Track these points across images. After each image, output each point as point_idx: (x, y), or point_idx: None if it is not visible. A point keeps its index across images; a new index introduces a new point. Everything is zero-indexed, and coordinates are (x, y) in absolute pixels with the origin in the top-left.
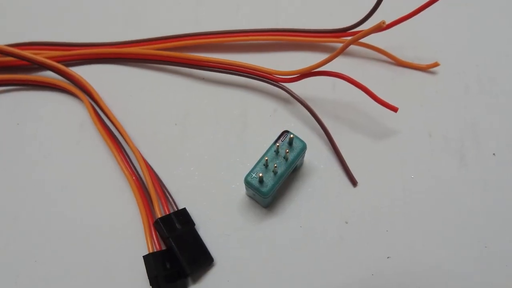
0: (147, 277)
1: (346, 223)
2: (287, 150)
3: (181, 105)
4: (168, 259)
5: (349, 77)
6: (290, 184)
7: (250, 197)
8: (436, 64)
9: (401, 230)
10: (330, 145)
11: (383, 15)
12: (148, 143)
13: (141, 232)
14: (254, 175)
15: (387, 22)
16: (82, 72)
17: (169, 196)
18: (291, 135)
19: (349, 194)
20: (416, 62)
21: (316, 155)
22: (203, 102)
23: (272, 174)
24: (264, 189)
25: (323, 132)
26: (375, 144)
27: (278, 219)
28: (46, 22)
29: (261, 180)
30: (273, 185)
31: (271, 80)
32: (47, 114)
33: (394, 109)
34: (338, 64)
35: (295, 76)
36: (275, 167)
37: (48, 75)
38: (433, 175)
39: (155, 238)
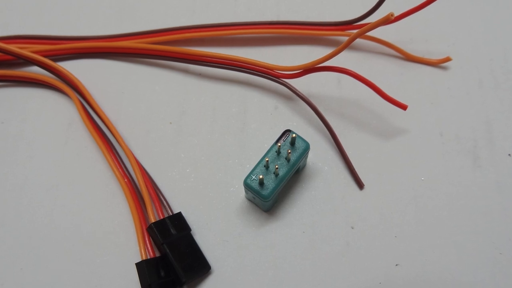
0: (140, 285)
1: (352, 228)
2: (289, 151)
3: (177, 103)
4: (163, 266)
5: (355, 72)
6: (293, 186)
7: (250, 200)
8: (447, 59)
9: (410, 235)
10: (335, 145)
11: (391, 6)
12: (141, 143)
13: (133, 238)
14: (254, 177)
15: (396, 14)
16: (71, 67)
17: (163, 200)
18: (294, 135)
19: (355, 198)
20: (426, 56)
21: (320, 155)
22: (200, 99)
23: (273, 176)
24: (265, 192)
25: (327, 131)
26: (383, 144)
27: (280, 224)
28: (33, 14)
29: (261, 183)
30: (274, 187)
31: (272, 76)
32: (33, 112)
33: (403, 107)
34: (344, 59)
35: (298, 71)
36: (277, 168)
37: (35, 71)
38: (444, 177)
39: (148, 244)
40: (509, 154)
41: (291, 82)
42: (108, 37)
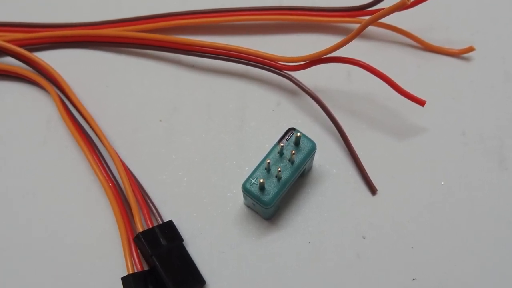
0: None
1: (364, 238)
2: (293, 152)
3: (167, 98)
4: (151, 281)
5: (367, 64)
6: (297, 191)
7: (249, 207)
8: (471, 49)
9: (428, 246)
10: (344, 145)
11: None
12: (128, 143)
13: (119, 249)
14: (253, 181)
15: None
16: (49, 58)
17: (152, 206)
18: (298, 134)
19: (367, 204)
20: (447, 46)
21: (328, 157)
22: (193, 94)
23: (275, 180)
24: (266, 198)
25: (336, 130)
26: (398, 144)
27: (283, 233)
28: None
29: (262, 187)
30: (276, 193)
31: (274, 68)
32: (7, 108)
33: (421, 103)
34: (354, 49)
35: (303, 63)
36: (279, 171)
37: (9, 62)
38: (467, 181)
39: (135, 256)
40: None
41: (296, 74)
42: (91, 25)
